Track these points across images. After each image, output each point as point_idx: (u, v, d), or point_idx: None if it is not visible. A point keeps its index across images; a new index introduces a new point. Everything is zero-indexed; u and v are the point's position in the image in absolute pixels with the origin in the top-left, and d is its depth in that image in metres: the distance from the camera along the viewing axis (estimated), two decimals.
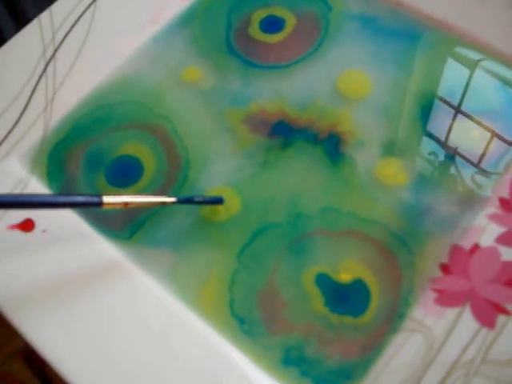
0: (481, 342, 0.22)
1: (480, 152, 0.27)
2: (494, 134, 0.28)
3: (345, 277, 0.25)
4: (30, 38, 0.31)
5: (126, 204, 0.24)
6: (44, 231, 0.26)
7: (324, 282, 0.25)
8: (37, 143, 0.29)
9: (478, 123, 0.28)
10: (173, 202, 0.25)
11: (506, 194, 0.25)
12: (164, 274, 0.25)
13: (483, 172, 0.27)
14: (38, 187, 0.28)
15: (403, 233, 0.25)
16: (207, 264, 0.26)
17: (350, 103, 0.29)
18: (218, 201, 0.27)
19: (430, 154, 0.28)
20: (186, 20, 0.34)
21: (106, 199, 0.23)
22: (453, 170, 0.27)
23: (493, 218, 0.25)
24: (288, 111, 0.30)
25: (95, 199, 0.23)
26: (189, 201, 0.26)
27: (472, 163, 0.27)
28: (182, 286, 0.25)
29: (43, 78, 0.30)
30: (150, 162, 0.29)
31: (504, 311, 0.23)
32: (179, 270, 0.25)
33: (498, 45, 0.30)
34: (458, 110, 0.29)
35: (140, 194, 0.27)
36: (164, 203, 0.25)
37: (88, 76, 0.31)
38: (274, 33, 0.33)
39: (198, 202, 0.26)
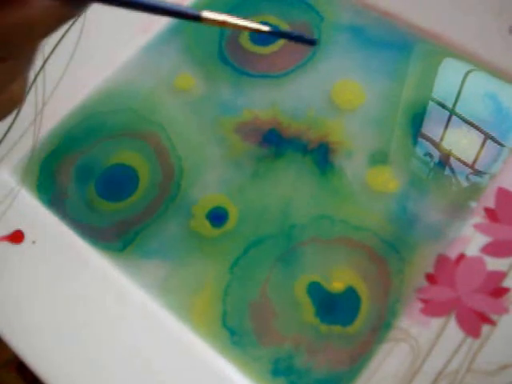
0: (466, 351, 0.23)
1: (468, 161, 0.28)
2: (482, 144, 0.28)
3: (337, 285, 0.25)
4: None
5: (223, 23, 0.23)
6: (34, 242, 0.26)
7: (316, 291, 0.25)
8: (27, 154, 0.29)
9: (467, 133, 0.28)
10: (266, 32, 0.24)
11: (491, 205, 0.26)
12: (156, 286, 0.26)
13: (470, 181, 0.27)
14: (28, 198, 0.28)
15: (394, 239, 0.26)
16: (200, 276, 0.26)
17: (342, 113, 0.30)
18: (312, 42, 0.25)
19: (419, 163, 0.28)
20: (178, 29, 0.34)
21: (205, 14, 0.22)
22: (441, 179, 0.27)
23: (478, 227, 0.25)
24: (280, 120, 0.30)
25: (194, 12, 0.22)
26: (282, 34, 0.25)
27: (460, 173, 0.27)
28: (175, 297, 0.25)
29: (32, 89, 0.30)
30: (143, 170, 0.29)
31: (489, 321, 0.23)
32: (172, 281, 0.26)
33: (487, 55, 0.30)
34: (447, 120, 0.29)
35: (238, 18, 0.24)
36: (259, 30, 0.24)
37: (78, 86, 0.31)
38: (268, 44, 0.33)
39: (291, 37, 0.24)
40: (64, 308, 0.25)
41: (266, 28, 0.24)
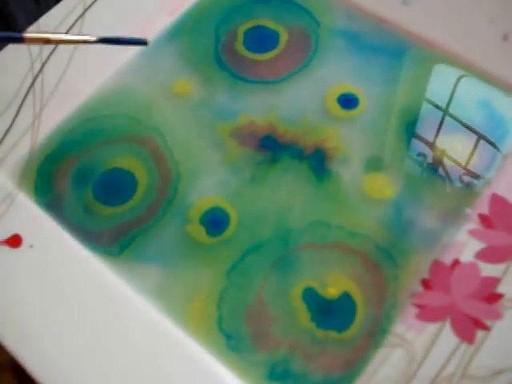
0: (460, 356, 0.23)
1: (462, 168, 0.28)
2: (476, 150, 0.28)
3: (332, 291, 0.25)
4: (17, 52, 0.31)
5: (47, 40, 0.24)
6: (31, 246, 0.26)
7: (311, 296, 0.25)
8: (25, 158, 0.29)
9: (461, 139, 0.29)
10: (94, 41, 0.25)
11: (485, 211, 0.26)
12: (153, 290, 0.26)
13: (465, 188, 0.27)
14: (25, 202, 0.28)
15: (389, 246, 0.26)
16: (197, 281, 0.26)
17: (337, 119, 0.30)
18: (141, 42, 0.26)
19: (413, 169, 0.28)
20: (175, 34, 0.34)
21: (28, 35, 0.24)
22: (435, 185, 0.28)
23: (473, 233, 0.25)
24: (276, 126, 0.30)
25: (15, 34, 0.24)
26: (111, 41, 0.26)
27: (454, 179, 0.28)
28: (171, 302, 0.25)
29: (31, 93, 0.30)
30: (141, 174, 0.29)
31: (483, 326, 0.23)
32: (168, 286, 0.26)
33: (480, 62, 0.30)
34: (440, 126, 0.29)
35: (62, 35, 0.26)
36: (86, 42, 0.25)
37: (76, 90, 0.31)
38: (264, 51, 0.33)
39: (121, 42, 0.26)
40: (61, 312, 0.25)
41: (93, 39, 0.25)
